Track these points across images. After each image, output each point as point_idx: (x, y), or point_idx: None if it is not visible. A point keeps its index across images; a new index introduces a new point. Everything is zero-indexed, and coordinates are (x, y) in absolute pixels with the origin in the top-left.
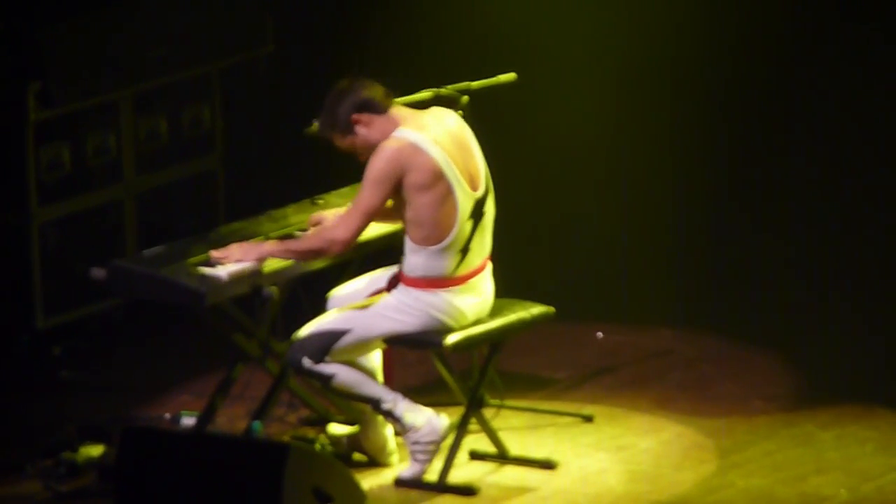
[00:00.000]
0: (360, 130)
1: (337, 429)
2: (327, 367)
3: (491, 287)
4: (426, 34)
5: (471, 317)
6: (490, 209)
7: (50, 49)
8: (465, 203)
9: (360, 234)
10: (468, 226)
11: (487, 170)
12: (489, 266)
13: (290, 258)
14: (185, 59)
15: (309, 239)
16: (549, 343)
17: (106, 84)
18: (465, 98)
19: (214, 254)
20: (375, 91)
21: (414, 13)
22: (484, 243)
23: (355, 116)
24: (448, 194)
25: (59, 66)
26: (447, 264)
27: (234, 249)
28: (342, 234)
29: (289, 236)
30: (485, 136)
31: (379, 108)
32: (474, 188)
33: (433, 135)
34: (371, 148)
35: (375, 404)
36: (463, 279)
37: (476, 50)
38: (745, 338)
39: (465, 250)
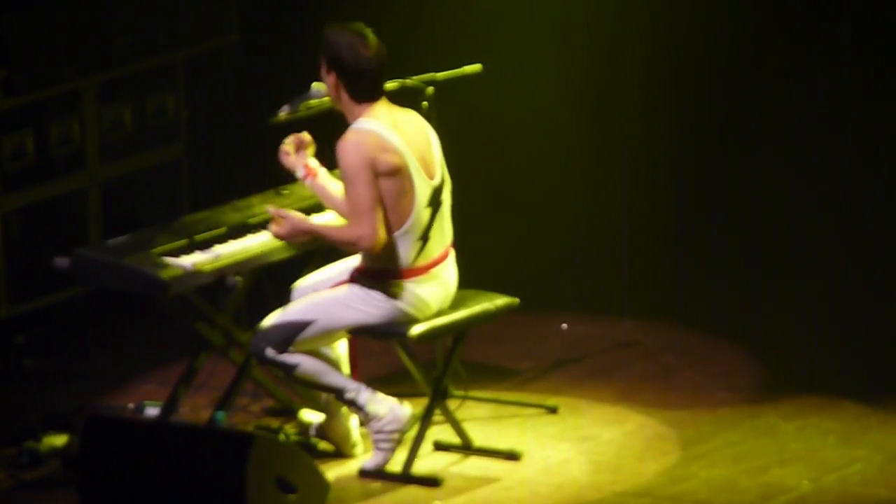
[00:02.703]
0: (331, 85)
1: (308, 416)
2: (290, 357)
3: (454, 276)
4: (392, 25)
5: (434, 306)
6: (447, 198)
7: (13, 37)
8: (422, 190)
9: (379, 226)
10: (426, 213)
11: (444, 160)
12: (452, 254)
13: (327, 243)
14: (149, 48)
15: (343, 230)
16: (514, 334)
17: (70, 72)
18: (431, 89)
19: (272, 210)
20: (371, 79)
21: (380, 3)
22: (444, 232)
23: (335, 76)
24: (408, 182)
25: (23, 54)
26: (407, 253)
27: (288, 225)
28: (362, 231)
29: (257, 226)
30: (449, 127)
31: (357, 94)
32: (431, 177)
33: (386, 122)
34: (331, 99)
35: (338, 394)
36: (424, 269)
37: (442, 41)
38: (708, 329)
39: (424, 238)
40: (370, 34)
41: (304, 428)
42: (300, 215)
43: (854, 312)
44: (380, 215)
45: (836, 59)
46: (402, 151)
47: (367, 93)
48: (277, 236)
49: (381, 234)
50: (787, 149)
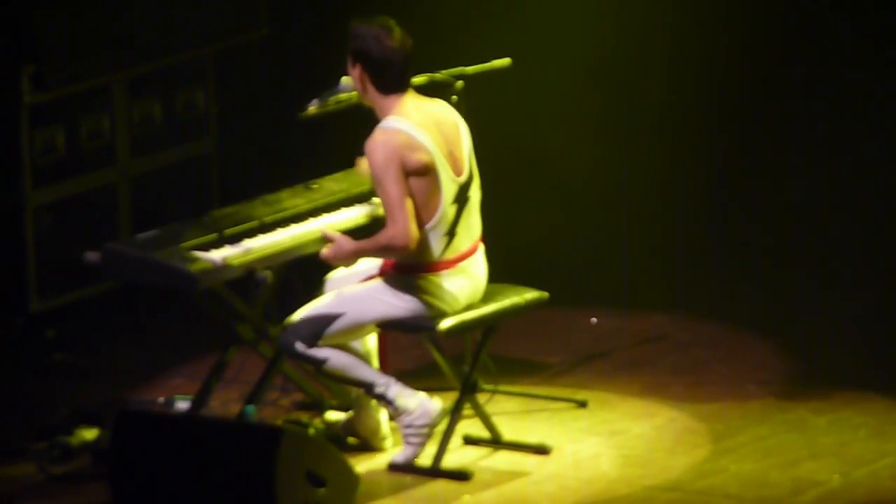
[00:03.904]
0: (357, 79)
1: (333, 415)
2: (320, 352)
3: (484, 270)
4: (422, 19)
5: (463, 300)
6: (475, 194)
7: (45, 32)
8: (448, 187)
9: (410, 224)
10: (452, 210)
11: (473, 156)
12: (481, 248)
13: (372, 257)
14: (179, 43)
15: (376, 240)
16: (543, 328)
17: (100, 67)
18: (460, 83)
19: (329, 234)
20: (396, 70)
21: None
22: (471, 227)
23: (360, 68)
24: (434, 179)
25: (54, 49)
26: (434, 247)
27: (335, 248)
28: (394, 231)
29: (287, 220)
30: (479, 121)
31: (382, 85)
32: (458, 173)
33: (415, 119)
34: (359, 94)
35: (368, 388)
36: (452, 262)
37: (471, 34)
38: (738, 322)
39: (450, 234)
40: (395, 25)
41: (331, 426)
42: (345, 237)
43: (885, 306)
44: (411, 213)
45: (880, 52)
46: (430, 150)
47: (393, 84)
48: (327, 259)
49: (414, 231)
50: (819, 143)
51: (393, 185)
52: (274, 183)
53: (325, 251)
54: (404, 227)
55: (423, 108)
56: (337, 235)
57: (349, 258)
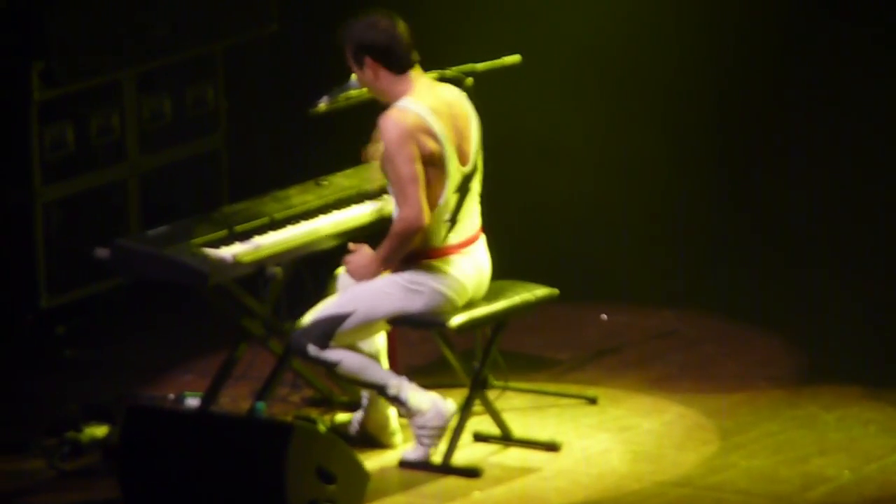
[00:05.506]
0: (368, 73)
1: (342, 416)
2: (333, 354)
3: (487, 260)
4: (431, 15)
5: (470, 290)
6: (476, 185)
7: (54, 28)
8: (453, 176)
9: (422, 201)
10: (454, 198)
11: (480, 150)
12: (482, 238)
13: (396, 257)
14: (188, 39)
15: (391, 234)
16: (553, 324)
17: (110, 63)
18: (470, 80)
19: (352, 246)
20: (401, 46)
21: None
22: (472, 215)
23: (368, 59)
24: (441, 168)
25: (63, 45)
26: (438, 233)
27: (358, 258)
28: (407, 211)
29: (297, 217)
30: (487, 116)
31: (394, 65)
32: (464, 163)
33: (430, 104)
34: (373, 92)
35: (381, 389)
36: (456, 248)
37: (481, 31)
38: (747, 318)
39: (452, 220)
40: (379, 9)
41: (340, 428)
42: (367, 246)
43: (894, 301)
44: (423, 192)
45: (878, 50)
46: (440, 139)
47: (403, 61)
48: (350, 275)
49: (426, 209)
50: (826, 137)
51: (406, 163)
52: (284, 179)
53: (349, 265)
54: (417, 206)
55: (438, 94)
56: (360, 246)
57: (372, 266)
